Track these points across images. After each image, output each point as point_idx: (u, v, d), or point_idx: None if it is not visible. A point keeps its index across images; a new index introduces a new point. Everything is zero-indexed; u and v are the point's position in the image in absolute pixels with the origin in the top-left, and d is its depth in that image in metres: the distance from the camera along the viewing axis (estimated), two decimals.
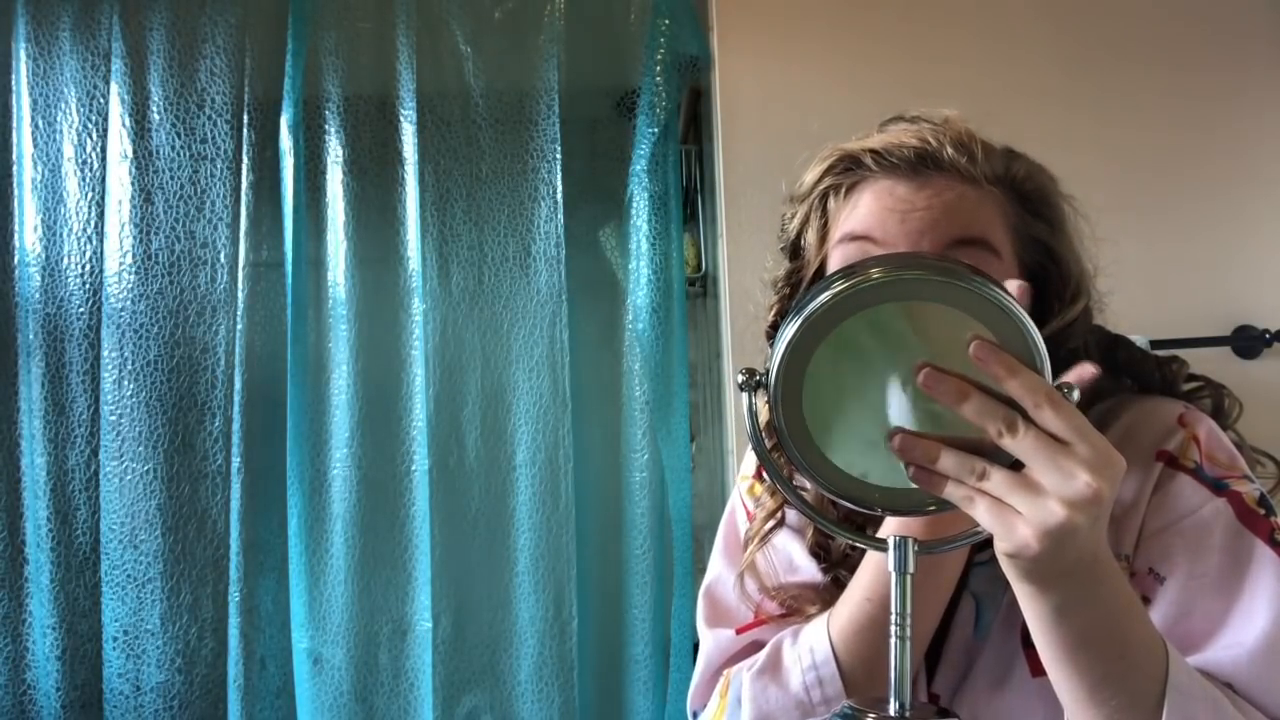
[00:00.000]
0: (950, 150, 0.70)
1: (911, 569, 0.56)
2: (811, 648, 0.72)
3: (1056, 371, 0.55)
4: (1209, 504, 0.69)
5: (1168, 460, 0.72)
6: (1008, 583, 0.72)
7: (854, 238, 0.71)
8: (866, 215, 0.71)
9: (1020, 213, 0.72)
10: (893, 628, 0.55)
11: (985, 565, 0.73)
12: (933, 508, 0.56)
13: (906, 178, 0.70)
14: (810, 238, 0.76)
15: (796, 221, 0.79)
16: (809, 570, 0.80)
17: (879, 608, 0.70)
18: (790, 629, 0.76)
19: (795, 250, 0.79)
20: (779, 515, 0.81)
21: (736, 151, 1.69)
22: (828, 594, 0.77)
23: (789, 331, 0.54)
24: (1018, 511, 0.51)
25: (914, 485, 0.55)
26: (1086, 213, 0.78)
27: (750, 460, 0.92)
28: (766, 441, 0.61)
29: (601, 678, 1.71)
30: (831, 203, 0.75)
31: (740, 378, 0.56)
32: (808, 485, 0.70)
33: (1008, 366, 0.51)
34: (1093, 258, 0.77)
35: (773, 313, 0.82)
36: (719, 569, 0.87)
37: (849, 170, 0.74)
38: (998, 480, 0.52)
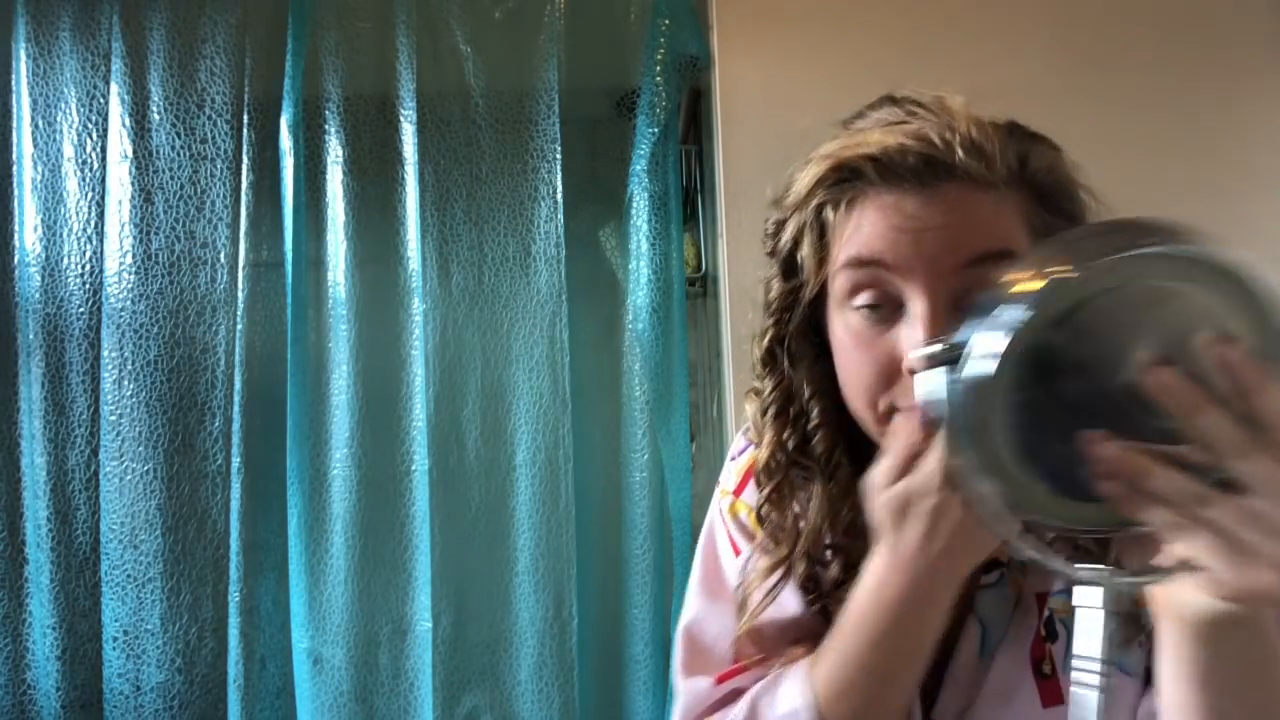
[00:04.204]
0: (962, 154, 0.61)
1: (1124, 606, 0.50)
2: (794, 710, 0.67)
3: None
4: None
5: None
6: (1014, 606, 0.68)
7: (862, 263, 0.63)
8: (874, 237, 0.63)
9: (1040, 212, 0.65)
10: (1099, 678, 0.49)
11: (992, 588, 0.70)
12: (1114, 527, 0.49)
13: (914, 190, 0.62)
14: (807, 255, 0.68)
15: (789, 235, 0.69)
16: (795, 605, 0.73)
17: (856, 671, 0.65)
18: (769, 679, 0.72)
19: (791, 267, 0.70)
20: (786, 565, 0.72)
21: (736, 151, 1.69)
22: (814, 627, 0.72)
23: (990, 343, 0.47)
24: (1254, 550, 0.44)
25: (1093, 499, 0.47)
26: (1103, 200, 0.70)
27: (730, 473, 0.83)
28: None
29: (601, 678, 1.71)
30: (829, 216, 0.66)
31: (924, 360, 0.52)
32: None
33: (1259, 378, 0.43)
34: None
35: (768, 338, 0.72)
36: (697, 607, 0.80)
37: (846, 181, 0.64)
38: (1227, 510, 0.44)
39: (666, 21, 1.71)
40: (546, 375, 1.69)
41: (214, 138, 1.70)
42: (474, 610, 1.70)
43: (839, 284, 0.66)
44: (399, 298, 1.70)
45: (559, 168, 1.70)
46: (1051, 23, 1.70)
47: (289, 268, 1.68)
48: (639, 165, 1.69)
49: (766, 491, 0.74)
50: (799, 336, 0.71)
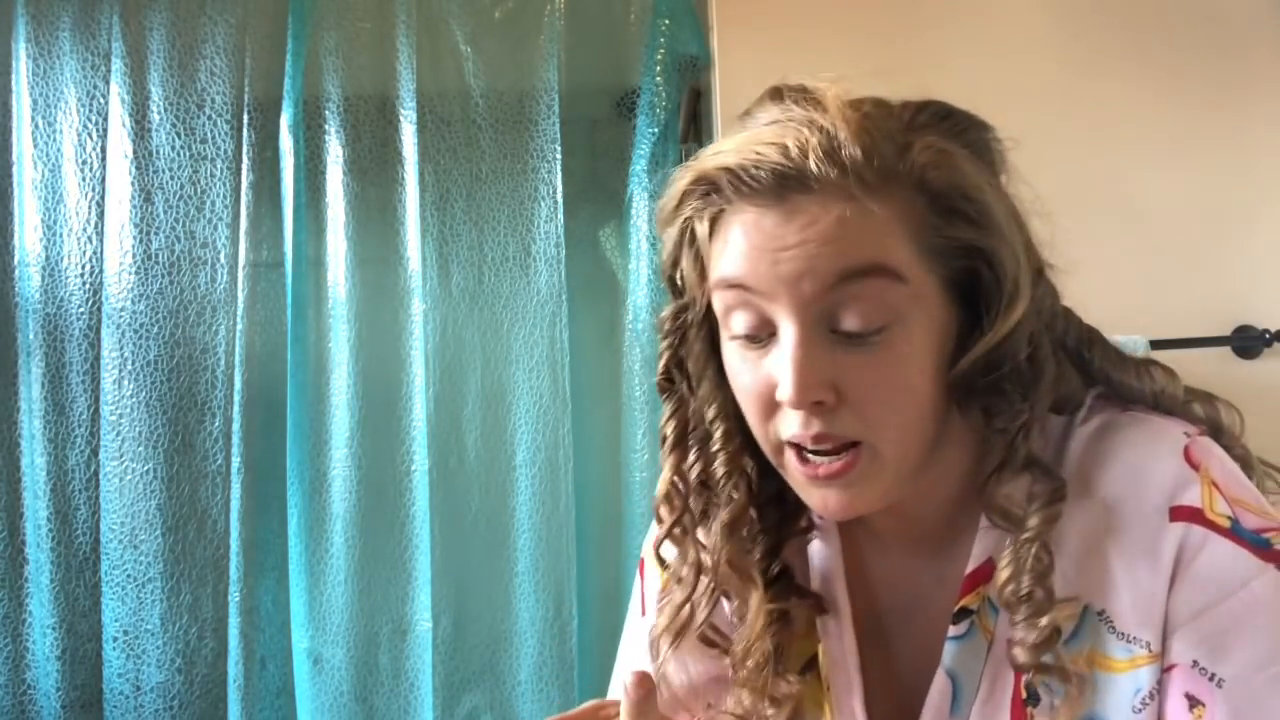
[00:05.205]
0: (815, 165, 0.56)
1: None
2: None
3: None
4: (1259, 574, 0.57)
5: (1189, 518, 0.58)
6: (986, 658, 0.64)
7: (729, 285, 0.60)
8: (737, 257, 0.59)
9: (928, 215, 0.58)
10: None
11: (962, 639, 0.65)
12: None
13: (772, 205, 0.57)
14: (687, 272, 0.64)
15: (668, 251, 0.65)
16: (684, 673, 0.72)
17: None
18: None
19: (674, 285, 0.67)
20: (689, 614, 0.68)
21: None
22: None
23: None
24: None
25: None
26: (1034, 184, 0.64)
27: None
28: None
29: (601, 678, 1.71)
30: (700, 231, 0.62)
31: None
32: None
33: None
34: (1041, 234, 0.63)
35: (663, 360, 0.69)
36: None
37: (708, 195, 0.60)
38: None
39: (666, 21, 1.71)
40: (546, 375, 1.69)
41: (214, 138, 1.70)
42: (474, 610, 1.70)
43: (717, 304, 0.62)
44: (399, 298, 1.70)
45: (559, 168, 1.70)
46: (1051, 22, 1.70)
47: (289, 268, 1.68)
48: (639, 165, 1.69)
49: (666, 527, 0.69)
50: (697, 356, 0.66)
